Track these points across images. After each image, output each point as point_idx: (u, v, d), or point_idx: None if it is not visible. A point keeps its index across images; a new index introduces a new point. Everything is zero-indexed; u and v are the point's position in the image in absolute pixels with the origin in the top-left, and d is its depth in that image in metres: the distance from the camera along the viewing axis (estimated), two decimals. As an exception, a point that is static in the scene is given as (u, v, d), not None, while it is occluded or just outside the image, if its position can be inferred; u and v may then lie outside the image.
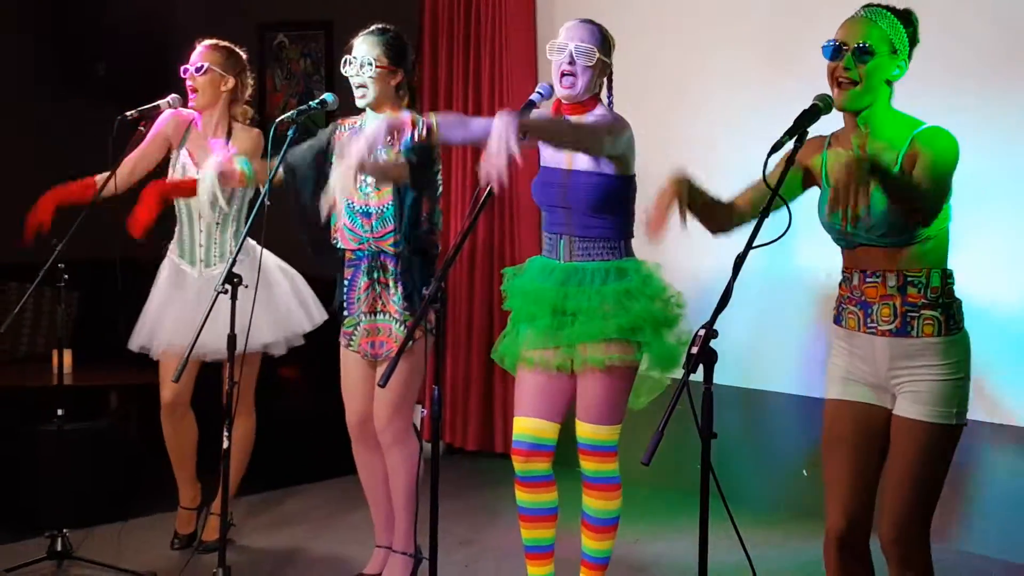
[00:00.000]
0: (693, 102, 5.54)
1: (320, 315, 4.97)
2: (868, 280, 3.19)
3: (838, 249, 3.29)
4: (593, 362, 3.88)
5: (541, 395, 3.98)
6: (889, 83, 3.14)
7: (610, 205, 3.89)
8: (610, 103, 3.98)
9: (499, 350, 4.12)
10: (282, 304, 4.85)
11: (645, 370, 3.98)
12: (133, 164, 4.82)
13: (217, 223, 4.78)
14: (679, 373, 3.39)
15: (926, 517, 3.20)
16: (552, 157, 3.97)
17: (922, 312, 3.13)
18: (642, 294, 3.89)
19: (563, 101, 3.90)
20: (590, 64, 3.83)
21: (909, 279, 3.14)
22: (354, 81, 4.18)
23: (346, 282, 4.33)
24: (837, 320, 3.31)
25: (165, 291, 4.86)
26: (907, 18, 3.17)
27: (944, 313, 3.14)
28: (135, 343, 4.87)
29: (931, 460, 3.16)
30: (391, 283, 4.24)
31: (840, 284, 3.29)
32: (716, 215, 3.27)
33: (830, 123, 3.23)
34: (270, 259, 4.78)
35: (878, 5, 3.17)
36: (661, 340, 3.93)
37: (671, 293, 3.97)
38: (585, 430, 3.96)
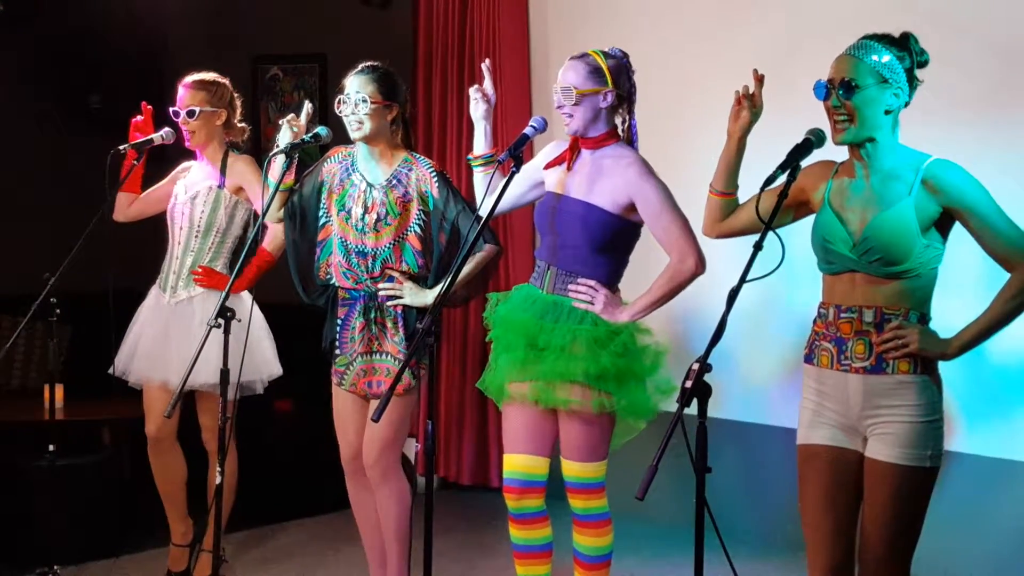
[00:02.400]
0: (689, 133, 5.54)
1: (276, 369, 4.92)
2: (843, 315, 3.17)
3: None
4: (556, 402, 3.85)
5: (528, 431, 3.95)
6: (889, 113, 3.13)
7: (602, 244, 3.87)
8: (631, 135, 3.96)
9: (484, 380, 4.10)
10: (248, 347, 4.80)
11: (620, 415, 3.93)
12: (144, 204, 4.93)
13: (192, 251, 4.76)
14: (665, 413, 3.37)
15: (905, 561, 3.17)
16: (555, 182, 3.97)
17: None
18: (606, 347, 3.84)
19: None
20: (575, 103, 3.83)
21: (886, 316, 3.12)
22: (350, 119, 4.16)
23: (339, 321, 4.30)
24: (808, 358, 3.28)
25: (142, 318, 4.86)
26: (902, 44, 3.15)
27: None
28: (116, 369, 4.86)
29: (907, 504, 3.13)
30: (389, 323, 4.20)
31: (815, 320, 3.27)
32: (733, 181, 3.45)
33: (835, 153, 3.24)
34: (248, 300, 4.69)
35: (872, 36, 3.16)
36: (628, 391, 3.87)
37: (646, 342, 3.92)
38: (571, 468, 3.92)
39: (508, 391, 3.96)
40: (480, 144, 4.14)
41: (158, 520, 5.01)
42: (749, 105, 3.35)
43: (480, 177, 4.15)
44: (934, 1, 4.93)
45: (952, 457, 4.69)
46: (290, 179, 4.25)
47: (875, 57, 3.10)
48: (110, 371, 4.86)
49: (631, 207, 3.84)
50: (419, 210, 4.17)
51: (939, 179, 3.09)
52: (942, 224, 3.13)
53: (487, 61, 4.15)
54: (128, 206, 4.92)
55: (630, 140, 3.96)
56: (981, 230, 3.09)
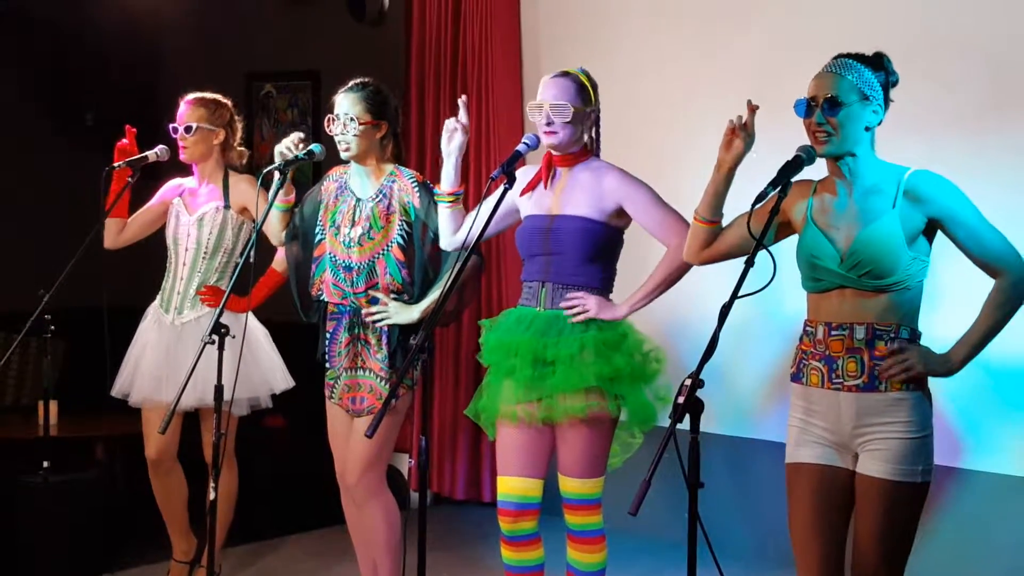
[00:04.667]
0: (679, 145, 5.56)
1: (287, 382, 4.96)
2: (833, 333, 3.17)
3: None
4: (573, 411, 3.84)
5: (523, 452, 3.94)
6: (868, 129, 3.17)
7: (596, 254, 3.90)
8: (597, 149, 4.00)
9: (476, 407, 4.06)
10: (254, 362, 4.81)
11: (622, 425, 3.94)
12: (135, 228, 4.91)
13: (199, 272, 4.78)
14: (657, 429, 3.39)
15: None
16: (536, 205, 3.99)
17: None
18: (618, 348, 3.87)
19: (552, 152, 3.93)
20: (567, 120, 3.86)
21: (878, 332, 3.13)
22: (338, 139, 4.19)
23: (328, 335, 4.32)
24: (796, 377, 3.27)
25: (144, 339, 4.86)
26: (878, 63, 3.19)
27: None
28: (116, 390, 4.87)
29: (899, 519, 3.13)
30: (373, 340, 4.21)
31: (802, 339, 3.27)
32: (719, 209, 3.41)
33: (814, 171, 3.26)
34: (242, 316, 4.68)
35: (847, 55, 3.19)
36: (638, 394, 3.89)
37: (649, 347, 3.95)
38: (569, 485, 3.92)
39: (515, 412, 3.91)
40: (450, 180, 4.02)
41: (153, 536, 5.01)
42: (744, 135, 3.35)
43: (446, 213, 4.05)
44: (923, 19, 4.96)
45: (956, 473, 4.70)
46: (291, 198, 4.28)
47: (856, 74, 3.13)
48: (112, 393, 4.87)
49: (617, 213, 3.88)
50: (401, 221, 4.18)
51: (921, 189, 3.11)
52: (927, 235, 3.16)
53: (463, 97, 4.10)
54: (118, 233, 4.87)
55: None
56: (966, 238, 3.12)
